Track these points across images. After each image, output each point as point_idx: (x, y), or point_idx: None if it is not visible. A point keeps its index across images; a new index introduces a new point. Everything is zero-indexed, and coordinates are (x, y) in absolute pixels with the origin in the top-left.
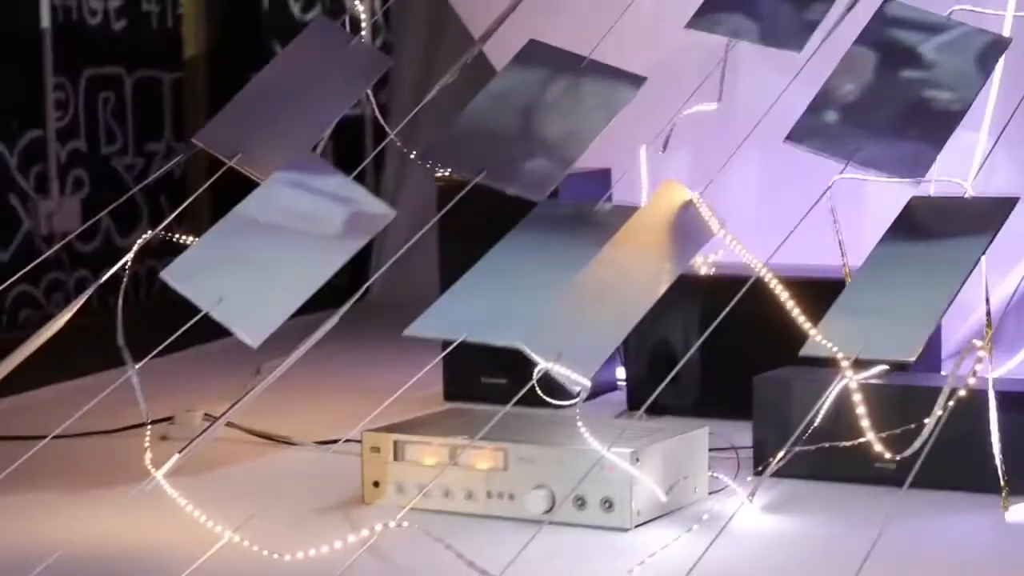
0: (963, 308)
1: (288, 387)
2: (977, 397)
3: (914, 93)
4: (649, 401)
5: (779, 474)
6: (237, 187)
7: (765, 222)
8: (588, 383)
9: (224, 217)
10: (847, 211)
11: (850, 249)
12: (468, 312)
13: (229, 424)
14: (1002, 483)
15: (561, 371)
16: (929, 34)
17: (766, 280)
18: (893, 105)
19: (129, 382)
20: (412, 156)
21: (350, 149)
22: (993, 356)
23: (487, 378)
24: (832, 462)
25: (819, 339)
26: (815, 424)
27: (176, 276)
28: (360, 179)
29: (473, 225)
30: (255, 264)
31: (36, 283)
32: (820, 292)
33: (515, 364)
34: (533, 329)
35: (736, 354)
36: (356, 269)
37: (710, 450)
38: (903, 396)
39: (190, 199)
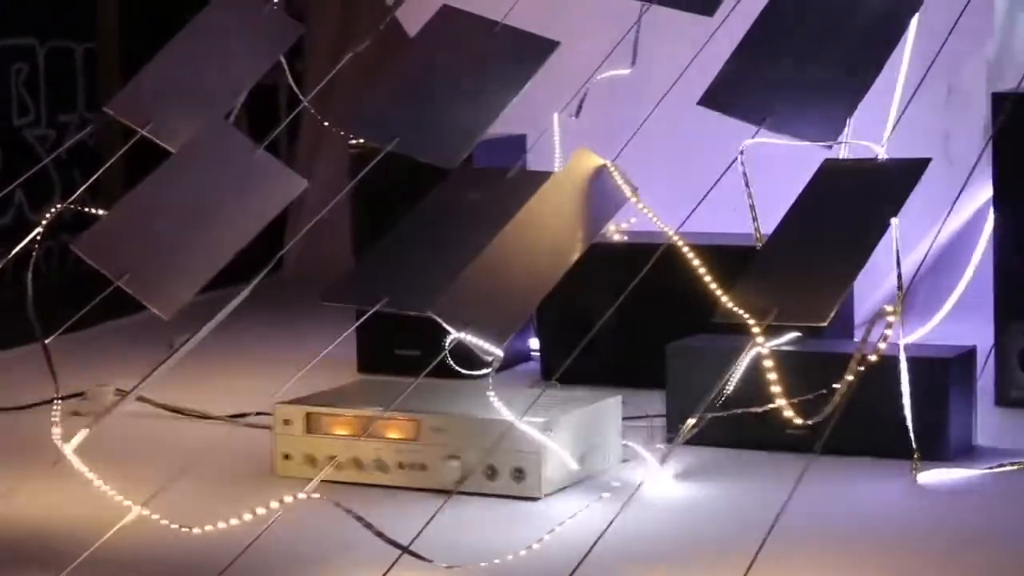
0: (876, 274)
1: (202, 360)
2: (889, 363)
3: (827, 55)
4: (562, 369)
5: (692, 442)
6: (152, 158)
7: (681, 188)
8: (501, 352)
9: (135, 188)
10: (764, 175)
11: (769, 214)
12: (381, 281)
13: (142, 399)
14: (913, 448)
15: (473, 341)
16: None
17: (678, 247)
18: (805, 68)
19: (42, 358)
20: (326, 124)
21: (265, 118)
22: (904, 322)
23: (400, 350)
24: (745, 429)
25: (730, 306)
26: (728, 391)
27: (86, 248)
28: (274, 149)
29: (387, 194)
30: (166, 236)
31: None
32: (734, 258)
33: (429, 335)
34: (445, 298)
35: (651, 322)
36: (271, 242)
37: (624, 419)
38: (815, 362)
39: (99, 172)
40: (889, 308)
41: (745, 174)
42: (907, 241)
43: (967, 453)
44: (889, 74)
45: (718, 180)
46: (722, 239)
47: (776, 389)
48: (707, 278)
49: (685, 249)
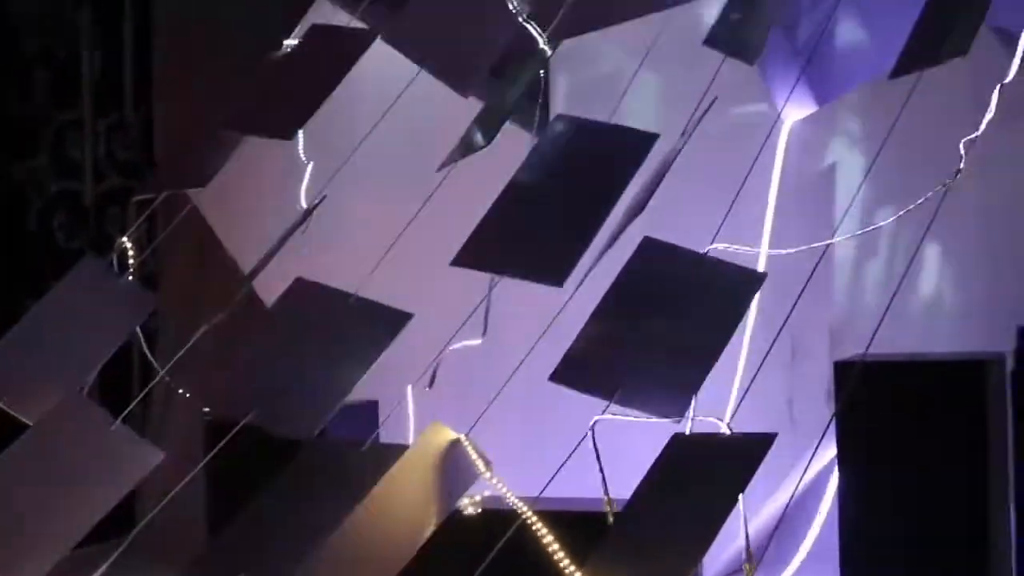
0: (722, 537)
1: None
2: None
3: (673, 331)
4: None
5: None
6: (14, 427)
7: (536, 457)
8: None
9: None
10: (615, 445)
11: (621, 480)
12: (237, 557)
13: None
14: None
15: None
16: (687, 271)
17: (531, 527)
18: (652, 344)
19: None
20: (183, 394)
21: (117, 383)
22: None
23: None
24: None
25: None
26: None
27: None
28: (126, 416)
29: (243, 465)
30: (21, 511)
31: None
32: (589, 526)
33: None
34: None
35: None
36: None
37: None
38: None
39: None
40: None
41: (596, 448)
42: (754, 500)
43: None
44: (736, 340)
45: (568, 456)
46: (577, 504)
47: None
48: (559, 555)
49: (536, 526)
